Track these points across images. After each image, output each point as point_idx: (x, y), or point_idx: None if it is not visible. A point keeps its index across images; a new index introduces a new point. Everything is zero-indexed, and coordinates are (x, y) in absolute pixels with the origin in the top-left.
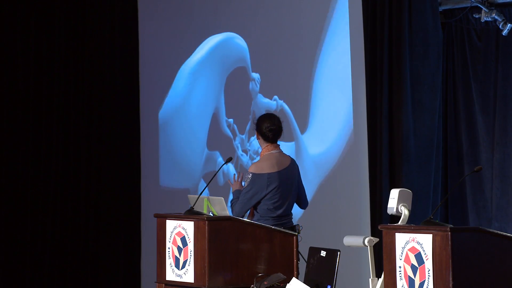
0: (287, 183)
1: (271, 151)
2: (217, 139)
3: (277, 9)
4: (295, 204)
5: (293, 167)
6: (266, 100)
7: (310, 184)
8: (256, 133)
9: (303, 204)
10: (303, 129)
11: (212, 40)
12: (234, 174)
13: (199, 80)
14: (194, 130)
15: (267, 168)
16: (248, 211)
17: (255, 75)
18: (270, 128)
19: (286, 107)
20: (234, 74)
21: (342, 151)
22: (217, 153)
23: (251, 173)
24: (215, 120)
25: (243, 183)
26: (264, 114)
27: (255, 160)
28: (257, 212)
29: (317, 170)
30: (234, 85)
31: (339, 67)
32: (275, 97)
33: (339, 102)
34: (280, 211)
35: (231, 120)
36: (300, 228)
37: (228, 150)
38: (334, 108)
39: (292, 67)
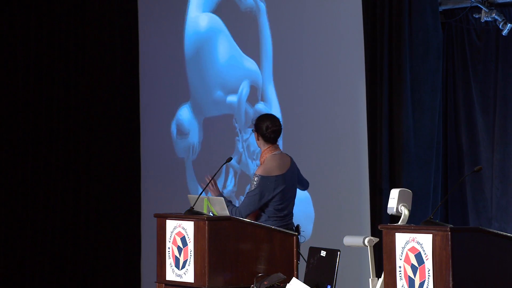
0: (291, 183)
1: (274, 153)
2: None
3: (276, 9)
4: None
5: (294, 166)
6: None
7: (310, 184)
8: (255, 134)
9: (305, 185)
10: (303, 131)
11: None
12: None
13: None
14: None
15: (274, 170)
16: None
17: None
18: (272, 129)
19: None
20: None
21: (342, 151)
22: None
23: (259, 175)
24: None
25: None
26: (263, 114)
27: (252, 161)
28: (264, 213)
29: (317, 170)
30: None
31: (339, 67)
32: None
33: (339, 102)
34: (285, 211)
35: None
36: (300, 228)
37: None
38: (334, 108)
39: (291, 68)
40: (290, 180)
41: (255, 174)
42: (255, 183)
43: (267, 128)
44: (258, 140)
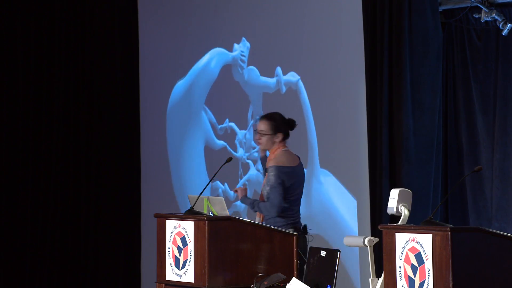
0: (300, 180)
1: (285, 148)
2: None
3: (278, 9)
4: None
5: (302, 164)
6: (264, 78)
7: (310, 184)
8: (271, 129)
9: None
10: (303, 131)
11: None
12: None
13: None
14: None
15: (286, 162)
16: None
17: (244, 45)
18: (290, 129)
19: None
20: (219, 77)
21: (342, 151)
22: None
23: (274, 166)
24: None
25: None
26: (281, 114)
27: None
28: (275, 211)
29: (317, 170)
30: (220, 86)
31: (339, 67)
32: (278, 71)
33: (339, 102)
34: (296, 207)
35: (225, 124)
36: (307, 228)
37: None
38: (334, 108)
39: (292, 68)
40: (300, 176)
41: (269, 168)
42: (273, 174)
43: (287, 129)
44: (269, 135)
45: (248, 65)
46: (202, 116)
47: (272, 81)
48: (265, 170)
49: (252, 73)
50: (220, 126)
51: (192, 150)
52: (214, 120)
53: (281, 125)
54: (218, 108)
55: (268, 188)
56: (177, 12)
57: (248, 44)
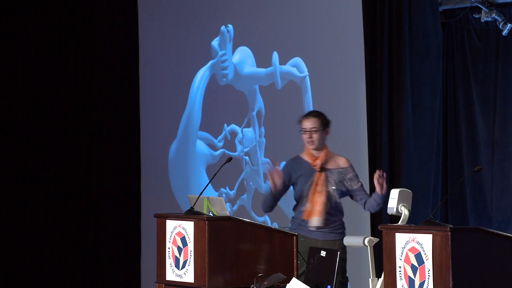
0: None
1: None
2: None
3: (278, 8)
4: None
5: None
6: (252, 69)
7: None
8: (321, 124)
9: None
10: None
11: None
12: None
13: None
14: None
15: None
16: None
17: (224, 37)
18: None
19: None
20: (205, 95)
21: (342, 151)
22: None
23: (351, 166)
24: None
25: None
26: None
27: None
28: (340, 212)
29: None
30: (209, 100)
31: (339, 67)
32: (274, 59)
33: (339, 102)
34: None
35: (224, 132)
36: None
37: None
38: (334, 108)
39: (292, 68)
40: None
41: (346, 169)
42: (353, 173)
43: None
44: (322, 134)
45: (240, 46)
46: (197, 143)
47: (261, 71)
48: (321, 170)
49: (238, 68)
50: (218, 139)
51: (192, 155)
52: (211, 138)
53: (326, 120)
54: (213, 119)
55: (358, 186)
56: (178, 11)
57: (231, 31)
